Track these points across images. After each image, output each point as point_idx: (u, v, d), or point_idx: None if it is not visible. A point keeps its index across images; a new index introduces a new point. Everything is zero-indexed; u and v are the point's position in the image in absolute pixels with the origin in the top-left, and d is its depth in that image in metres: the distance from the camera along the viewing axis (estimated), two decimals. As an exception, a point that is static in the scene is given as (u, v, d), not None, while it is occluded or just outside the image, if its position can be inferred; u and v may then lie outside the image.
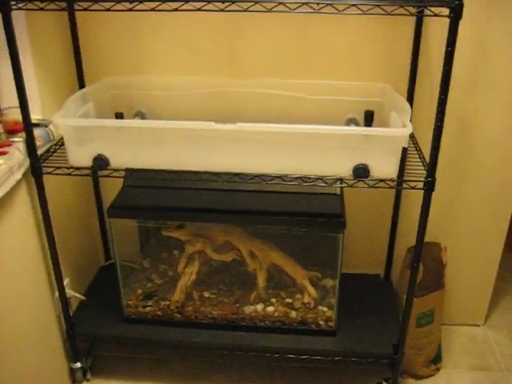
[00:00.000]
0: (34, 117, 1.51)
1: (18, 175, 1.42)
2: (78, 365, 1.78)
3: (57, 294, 1.67)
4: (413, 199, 1.88)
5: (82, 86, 1.76)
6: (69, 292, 1.72)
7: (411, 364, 1.81)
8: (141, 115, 1.74)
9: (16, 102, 1.47)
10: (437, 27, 1.62)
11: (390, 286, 1.96)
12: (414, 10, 1.25)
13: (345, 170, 1.40)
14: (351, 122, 1.67)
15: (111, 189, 1.92)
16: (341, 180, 1.42)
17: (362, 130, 1.48)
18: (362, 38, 1.68)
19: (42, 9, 1.29)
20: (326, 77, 1.73)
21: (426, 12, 1.25)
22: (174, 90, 1.72)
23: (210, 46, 1.72)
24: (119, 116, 1.67)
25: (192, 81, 1.72)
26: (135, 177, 1.54)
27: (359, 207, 1.89)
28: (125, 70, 1.78)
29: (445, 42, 1.24)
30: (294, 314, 1.71)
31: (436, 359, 1.87)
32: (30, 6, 1.29)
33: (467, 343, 2.02)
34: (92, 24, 1.72)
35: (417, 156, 1.54)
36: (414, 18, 1.62)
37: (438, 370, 1.88)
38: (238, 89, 1.69)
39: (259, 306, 1.73)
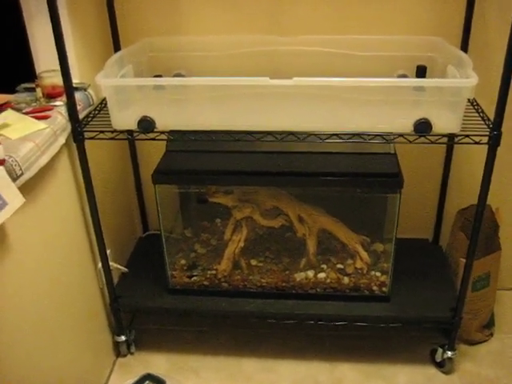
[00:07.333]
0: (72, 81, 1.44)
1: (62, 140, 1.36)
2: (123, 338, 1.73)
3: (100, 265, 1.62)
4: (462, 160, 1.81)
5: (116, 48, 1.68)
6: (111, 264, 1.65)
7: (465, 329, 1.75)
8: (180, 77, 1.66)
9: (51, 66, 1.42)
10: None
11: (440, 250, 1.89)
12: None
13: (405, 125, 1.32)
14: (402, 78, 1.59)
15: (147, 157, 1.87)
16: (401, 136, 1.34)
17: (426, 81, 1.39)
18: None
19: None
20: (372, 32, 1.64)
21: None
22: (213, 51, 1.63)
23: (251, 2, 1.64)
24: (159, 79, 1.59)
25: (233, 40, 1.63)
26: (179, 140, 1.47)
27: (406, 169, 1.82)
28: (161, 32, 1.69)
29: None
30: (346, 279, 1.65)
31: (489, 324, 1.82)
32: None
33: (518, 307, 1.96)
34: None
35: (473, 111, 1.46)
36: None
37: (491, 335, 1.82)
38: (281, 47, 1.60)
39: (310, 273, 1.67)
